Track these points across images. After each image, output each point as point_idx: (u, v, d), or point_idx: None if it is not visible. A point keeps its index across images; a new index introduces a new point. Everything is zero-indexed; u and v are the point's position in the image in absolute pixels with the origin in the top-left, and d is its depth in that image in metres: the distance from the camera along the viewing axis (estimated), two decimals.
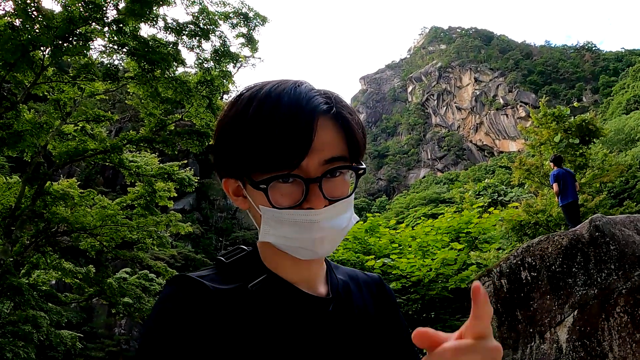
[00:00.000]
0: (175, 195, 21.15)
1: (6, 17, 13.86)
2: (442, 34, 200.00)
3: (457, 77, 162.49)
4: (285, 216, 0.97)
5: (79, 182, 21.08)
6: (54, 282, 25.53)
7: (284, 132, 0.94)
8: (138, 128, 20.84)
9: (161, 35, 16.48)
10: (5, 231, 16.77)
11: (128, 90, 18.51)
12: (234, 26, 17.24)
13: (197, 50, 17.17)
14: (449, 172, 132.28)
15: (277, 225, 0.99)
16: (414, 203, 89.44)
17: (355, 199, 1.09)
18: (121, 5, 14.93)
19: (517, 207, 16.08)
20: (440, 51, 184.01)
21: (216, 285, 1.00)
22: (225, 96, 19.64)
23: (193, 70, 18.21)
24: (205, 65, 17.51)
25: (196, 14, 16.52)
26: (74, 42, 14.57)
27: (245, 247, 1.16)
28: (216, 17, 16.74)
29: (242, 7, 16.94)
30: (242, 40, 17.53)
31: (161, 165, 20.26)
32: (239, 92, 1.05)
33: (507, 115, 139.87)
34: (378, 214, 12.00)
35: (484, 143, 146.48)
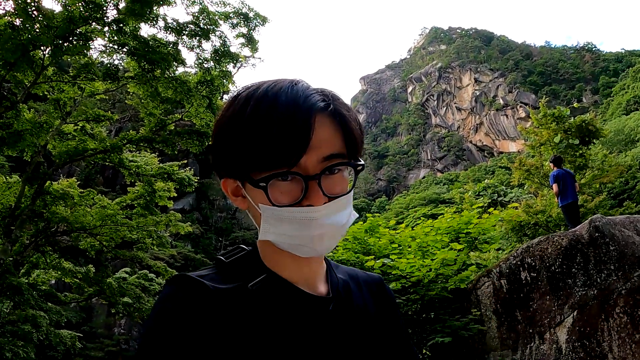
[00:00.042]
0: (175, 195, 21.14)
1: (6, 17, 13.85)
2: (442, 34, 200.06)
3: (457, 78, 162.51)
4: (285, 214, 0.98)
5: (78, 182, 21.08)
6: (53, 281, 25.56)
7: (282, 130, 0.94)
8: (138, 128, 20.83)
9: (161, 35, 16.48)
10: (5, 231, 16.77)
11: (128, 90, 18.51)
12: (234, 26, 17.24)
13: (197, 50, 17.18)
14: (449, 172, 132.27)
15: (277, 223, 0.99)
16: (413, 203, 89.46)
17: (355, 199, 1.10)
18: (121, 5, 14.93)
19: (516, 208, 16.11)
20: (440, 51, 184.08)
21: (216, 285, 1.01)
22: (225, 96, 19.60)
23: (193, 70, 18.22)
24: (205, 65, 17.51)
25: (196, 14, 16.52)
26: (74, 42, 14.56)
27: (245, 247, 1.16)
28: (216, 17, 16.74)
29: (242, 7, 16.94)
30: (242, 40, 17.53)
31: (161, 165, 20.25)
32: (236, 93, 1.06)
33: (507, 115, 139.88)
34: (378, 214, 11.98)
35: (484, 143, 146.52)
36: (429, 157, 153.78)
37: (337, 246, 8.81)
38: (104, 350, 39.13)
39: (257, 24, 17.25)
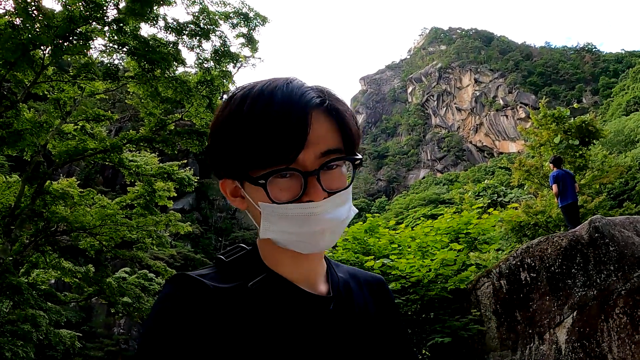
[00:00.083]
0: (175, 195, 21.15)
1: (7, 16, 13.85)
2: (442, 34, 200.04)
3: (457, 78, 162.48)
4: (285, 211, 0.98)
5: (78, 182, 21.09)
6: (53, 281, 25.57)
7: (279, 127, 0.95)
8: (138, 127, 20.82)
9: (161, 34, 16.48)
10: (5, 230, 16.77)
11: (128, 89, 18.51)
12: (234, 26, 17.24)
13: (197, 50, 17.18)
14: (449, 172, 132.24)
15: (277, 220, 1.00)
16: (413, 204, 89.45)
17: (354, 199, 1.10)
18: (121, 4, 14.92)
19: (516, 208, 16.10)
20: (441, 52, 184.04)
21: (216, 284, 1.01)
22: (225, 96, 19.63)
23: (193, 70, 18.22)
24: (206, 65, 17.51)
25: (196, 14, 16.52)
26: (75, 42, 14.56)
27: (245, 246, 1.16)
28: (216, 17, 16.74)
29: (243, 7, 16.94)
30: (242, 40, 17.53)
31: (161, 164, 20.26)
32: (231, 93, 1.06)
33: (507, 116, 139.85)
34: (378, 214, 11.98)
35: (484, 144, 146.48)
36: (429, 158, 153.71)
37: (337, 246, 8.83)
38: (104, 350, 39.15)
39: (257, 24, 17.25)
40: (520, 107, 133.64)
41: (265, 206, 1.00)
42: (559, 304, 6.45)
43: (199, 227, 59.19)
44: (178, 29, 16.32)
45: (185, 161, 22.94)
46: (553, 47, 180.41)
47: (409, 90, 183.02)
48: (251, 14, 17.09)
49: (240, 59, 17.67)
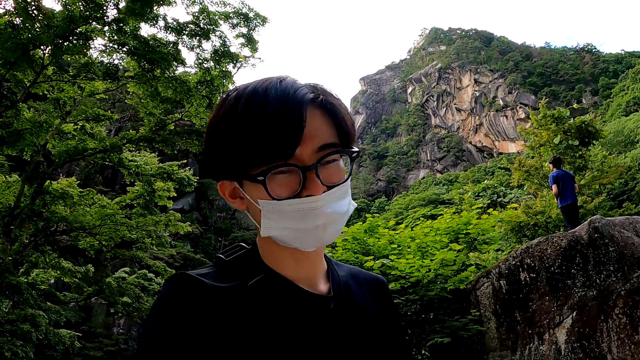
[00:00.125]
0: (175, 195, 21.14)
1: (6, 16, 13.84)
2: (442, 35, 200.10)
3: (457, 79, 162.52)
4: (286, 207, 0.98)
5: (78, 181, 21.09)
6: (52, 281, 25.55)
7: (275, 123, 0.95)
8: (138, 127, 20.81)
9: (161, 34, 16.47)
10: (5, 230, 16.76)
11: (128, 89, 18.50)
12: (234, 26, 17.23)
13: (197, 50, 17.17)
14: (449, 173, 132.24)
15: (278, 217, 1.00)
16: (413, 204, 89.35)
17: (354, 199, 1.10)
18: (121, 4, 14.92)
19: (516, 209, 16.09)
20: (440, 52, 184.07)
21: (216, 283, 1.01)
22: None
23: (193, 70, 18.20)
24: (205, 65, 17.50)
25: (196, 14, 16.51)
26: (74, 41, 14.55)
27: (246, 245, 1.16)
28: (216, 17, 16.73)
29: (243, 7, 16.93)
30: (242, 40, 17.52)
31: (160, 164, 20.25)
32: (225, 94, 1.07)
33: (506, 116, 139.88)
34: (377, 214, 12.00)
35: (484, 144, 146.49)
36: (429, 158, 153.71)
37: (337, 246, 8.82)
38: (103, 350, 39.16)
39: (257, 24, 17.25)
40: (520, 107, 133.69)
41: (265, 204, 1.00)
42: (559, 304, 6.46)
43: (199, 227, 59.19)
44: (178, 29, 16.31)
45: (185, 161, 22.93)
46: (553, 47, 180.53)
47: (409, 90, 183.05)
48: (251, 14, 17.09)
49: (240, 59, 17.66)
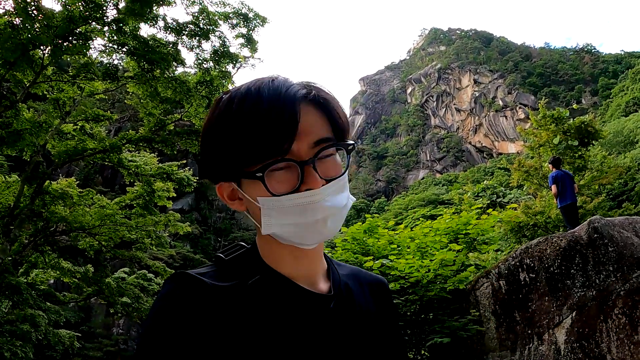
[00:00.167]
0: (174, 195, 21.13)
1: (6, 16, 13.84)
2: (442, 35, 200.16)
3: (457, 79, 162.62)
4: (286, 202, 0.98)
5: (77, 182, 21.06)
6: (52, 281, 25.56)
7: (269, 119, 0.96)
8: (137, 128, 20.81)
9: (161, 35, 16.47)
10: (4, 230, 16.75)
11: (127, 89, 18.49)
12: (233, 26, 17.23)
13: (197, 51, 17.16)
14: (448, 173, 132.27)
15: (278, 214, 1.00)
16: (412, 204, 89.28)
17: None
18: (121, 4, 14.91)
19: (515, 209, 16.11)
20: (440, 52, 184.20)
21: (215, 282, 1.01)
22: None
23: (192, 70, 18.19)
24: (205, 66, 17.49)
25: (196, 14, 16.51)
26: (74, 42, 14.55)
27: (245, 244, 1.17)
28: (216, 18, 16.73)
29: (242, 8, 16.93)
30: (241, 40, 17.51)
31: (160, 165, 20.24)
32: (219, 97, 1.08)
33: (506, 117, 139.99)
34: (377, 215, 11.99)
35: (483, 144, 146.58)
36: (428, 158, 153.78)
37: (336, 246, 8.82)
38: (103, 350, 39.14)
39: (256, 24, 17.24)
40: (520, 107, 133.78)
41: (264, 201, 1.00)
42: (558, 305, 6.46)
43: (198, 227, 59.21)
44: (177, 29, 16.31)
45: (185, 161, 22.92)
46: (552, 47, 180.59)
47: (409, 90, 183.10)
48: (250, 15, 17.08)
49: (239, 60, 17.65)
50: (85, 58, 16.19)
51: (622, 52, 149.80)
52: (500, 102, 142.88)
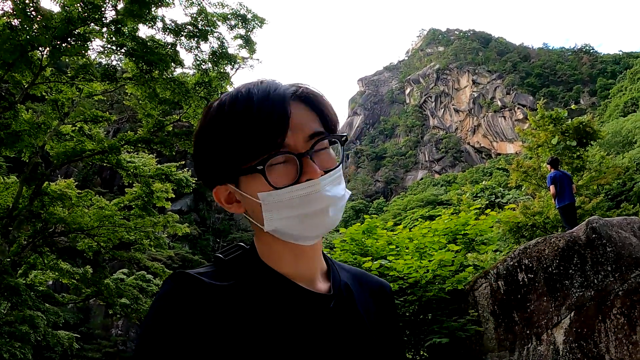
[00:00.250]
0: (173, 196, 21.13)
1: (5, 17, 13.84)
2: (440, 36, 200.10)
3: (455, 79, 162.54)
4: (287, 195, 0.99)
5: (76, 183, 21.05)
6: (51, 282, 25.52)
7: (261, 115, 0.98)
8: (136, 129, 20.81)
9: (159, 36, 16.47)
10: (3, 231, 16.74)
11: (126, 90, 18.49)
12: (232, 28, 17.23)
13: (195, 52, 17.16)
14: (447, 174, 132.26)
15: (279, 208, 1.01)
16: (411, 205, 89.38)
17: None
18: (120, 6, 14.92)
19: (514, 209, 16.14)
20: (438, 53, 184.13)
21: (215, 282, 1.01)
22: None
23: (191, 72, 18.20)
24: (203, 67, 17.49)
25: (195, 15, 16.51)
26: (73, 43, 14.56)
27: (244, 245, 1.17)
28: (214, 19, 16.73)
29: (241, 9, 16.93)
30: (240, 41, 17.51)
31: (159, 166, 20.24)
32: (208, 105, 1.10)
33: (504, 117, 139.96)
34: (375, 215, 11.98)
35: (482, 145, 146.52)
36: (427, 159, 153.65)
37: (335, 247, 8.82)
38: (102, 351, 39.08)
39: (255, 25, 17.24)
40: (518, 108, 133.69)
41: (265, 196, 1.01)
42: (557, 305, 6.47)
43: (197, 228, 59.12)
44: (176, 30, 16.31)
45: (183, 162, 22.90)
46: (551, 48, 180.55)
47: (407, 91, 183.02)
48: (249, 16, 17.08)
49: (238, 61, 17.66)
50: (84, 59, 16.20)
51: (621, 53, 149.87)
52: (499, 103, 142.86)
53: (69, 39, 14.47)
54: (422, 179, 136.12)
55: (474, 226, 9.06)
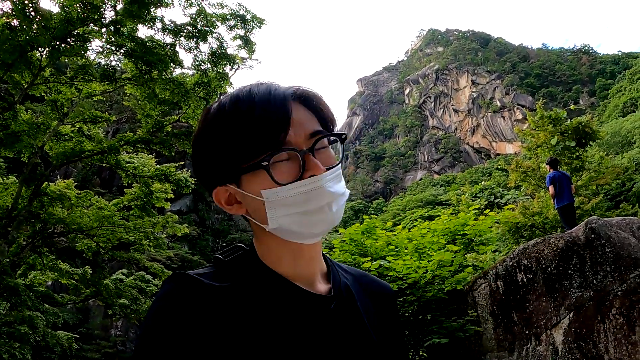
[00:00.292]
0: (172, 196, 21.11)
1: (4, 18, 13.83)
2: (440, 36, 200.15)
3: (454, 80, 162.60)
4: (291, 191, 1.00)
5: (75, 183, 21.03)
6: (50, 283, 25.48)
7: (263, 114, 0.99)
8: (135, 129, 20.79)
9: (159, 36, 16.44)
10: (2, 232, 16.72)
11: (125, 91, 18.48)
12: (231, 28, 17.22)
13: (195, 52, 17.13)
14: (446, 174, 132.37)
15: (283, 205, 1.01)
16: (410, 205, 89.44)
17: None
18: (119, 6, 14.90)
19: (513, 210, 16.15)
20: (438, 53, 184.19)
21: (214, 283, 1.02)
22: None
23: (190, 72, 18.20)
24: (203, 67, 17.48)
25: (194, 16, 16.50)
26: (72, 43, 14.54)
27: (244, 246, 1.17)
28: (214, 19, 16.72)
29: (240, 9, 16.93)
30: (239, 42, 17.49)
31: (158, 166, 20.22)
32: (207, 107, 1.11)
33: (504, 117, 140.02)
34: (375, 216, 11.99)
35: (481, 145, 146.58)
36: (426, 159, 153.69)
37: (334, 247, 8.82)
38: (101, 351, 39.11)
39: (254, 25, 17.23)
40: (517, 108, 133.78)
41: (269, 193, 1.01)
42: (556, 305, 6.47)
43: (196, 228, 59.14)
44: (175, 30, 16.30)
45: (183, 163, 22.89)
46: (550, 48, 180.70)
47: (406, 91, 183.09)
48: (248, 16, 17.07)
49: (237, 61, 17.65)
50: (83, 59, 16.17)
51: (620, 53, 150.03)
52: (498, 103, 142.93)
53: (68, 40, 14.46)
54: (421, 179, 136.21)
55: (473, 226, 9.06)
